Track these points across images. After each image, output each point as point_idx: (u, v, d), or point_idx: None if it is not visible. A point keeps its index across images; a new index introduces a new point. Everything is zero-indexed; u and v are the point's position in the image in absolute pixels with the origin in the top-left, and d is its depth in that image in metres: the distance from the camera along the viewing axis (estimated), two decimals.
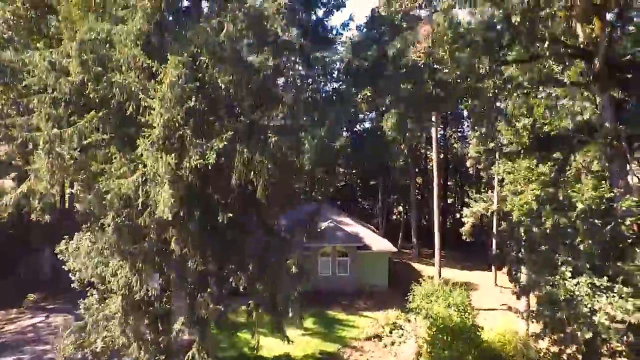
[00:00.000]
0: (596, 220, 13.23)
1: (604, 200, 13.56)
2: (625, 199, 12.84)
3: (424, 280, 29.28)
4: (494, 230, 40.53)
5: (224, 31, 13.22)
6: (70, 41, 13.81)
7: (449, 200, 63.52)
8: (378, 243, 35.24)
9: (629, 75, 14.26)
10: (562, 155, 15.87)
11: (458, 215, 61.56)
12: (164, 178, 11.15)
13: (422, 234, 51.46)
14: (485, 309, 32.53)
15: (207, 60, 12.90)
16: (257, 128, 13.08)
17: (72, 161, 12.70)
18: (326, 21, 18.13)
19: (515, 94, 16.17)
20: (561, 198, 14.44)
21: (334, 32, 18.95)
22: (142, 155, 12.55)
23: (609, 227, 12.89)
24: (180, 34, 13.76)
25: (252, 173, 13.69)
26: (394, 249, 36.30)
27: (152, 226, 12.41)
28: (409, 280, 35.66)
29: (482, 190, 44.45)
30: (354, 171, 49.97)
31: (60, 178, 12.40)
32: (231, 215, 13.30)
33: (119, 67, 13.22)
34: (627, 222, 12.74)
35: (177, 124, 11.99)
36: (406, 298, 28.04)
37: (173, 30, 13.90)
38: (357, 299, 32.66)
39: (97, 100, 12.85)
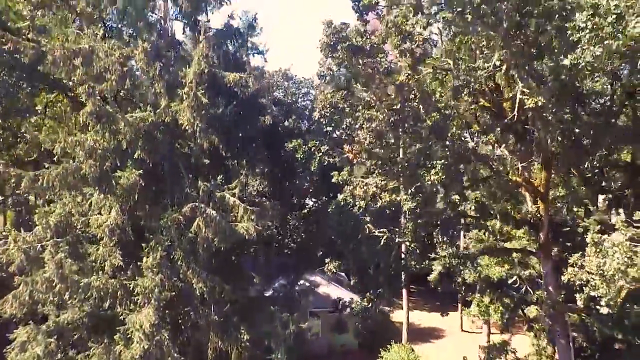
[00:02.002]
0: None
1: None
2: None
3: (391, 346, 30.79)
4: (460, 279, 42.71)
5: (195, 224, 13.86)
6: (44, 220, 14.03)
7: None
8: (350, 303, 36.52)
9: (569, 244, 15.89)
10: (511, 304, 17.54)
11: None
12: None
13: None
14: None
15: (181, 259, 13.54)
16: (232, 322, 13.90)
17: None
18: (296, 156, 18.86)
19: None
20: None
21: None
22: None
23: None
24: (156, 222, 14.27)
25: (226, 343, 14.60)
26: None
27: None
28: (379, 334, 37.16)
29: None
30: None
31: None
32: None
33: (95, 264, 13.72)
34: None
35: (154, 332, 12.66)
36: None
37: (147, 218, 14.33)
38: None
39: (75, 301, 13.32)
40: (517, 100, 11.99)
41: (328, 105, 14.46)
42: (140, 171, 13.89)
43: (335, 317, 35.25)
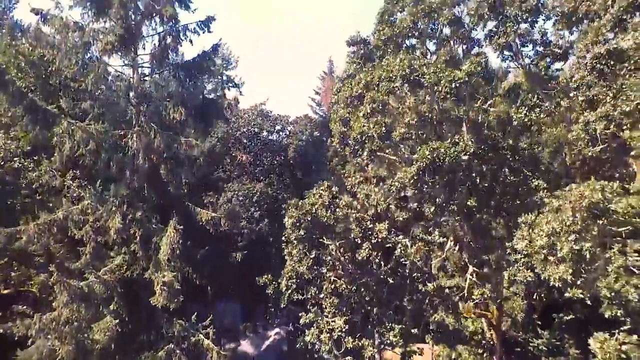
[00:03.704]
0: None
1: None
2: None
3: None
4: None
5: None
6: None
7: None
8: None
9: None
10: None
11: None
12: None
13: None
14: None
15: None
16: None
17: None
18: None
19: None
20: None
21: None
22: None
23: None
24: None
25: None
26: None
27: None
28: None
29: None
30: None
31: None
32: None
33: None
34: None
35: None
36: None
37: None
38: None
39: None
40: (467, 279, 13.08)
41: (294, 276, 15.34)
42: (117, 321, 14.43)
43: None
